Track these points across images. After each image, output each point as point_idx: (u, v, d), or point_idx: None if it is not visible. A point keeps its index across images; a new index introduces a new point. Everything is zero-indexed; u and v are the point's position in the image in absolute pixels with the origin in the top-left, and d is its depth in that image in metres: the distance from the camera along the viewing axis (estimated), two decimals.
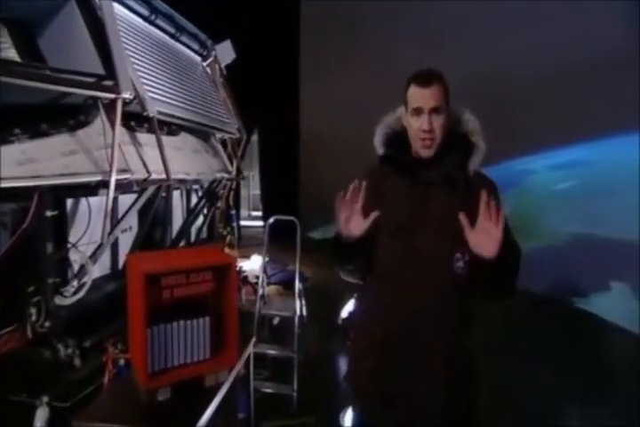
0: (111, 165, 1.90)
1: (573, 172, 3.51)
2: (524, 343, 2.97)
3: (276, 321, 3.38)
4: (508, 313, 2.70)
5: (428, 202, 1.23)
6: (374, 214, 1.18)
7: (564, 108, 3.43)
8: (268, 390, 2.61)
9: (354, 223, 1.19)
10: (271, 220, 3.15)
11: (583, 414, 2.46)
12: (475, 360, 1.28)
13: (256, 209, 9.85)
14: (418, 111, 1.21)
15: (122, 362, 1.92)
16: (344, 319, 3.43)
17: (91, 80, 1.92)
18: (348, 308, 3.38)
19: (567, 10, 3.30)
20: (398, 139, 1.31)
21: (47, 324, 1.66)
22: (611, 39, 3.00)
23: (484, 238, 1.09)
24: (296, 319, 2.81)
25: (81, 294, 1.81)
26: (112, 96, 1.97)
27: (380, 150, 1.35)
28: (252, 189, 10.07)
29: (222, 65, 4.18)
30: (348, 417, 2.10)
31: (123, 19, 2.58)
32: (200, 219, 3.60)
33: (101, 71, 1.97)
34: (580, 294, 3.14)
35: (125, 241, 2.49)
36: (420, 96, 1.21)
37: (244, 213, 9.55)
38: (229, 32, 4.34)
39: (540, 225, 3.63)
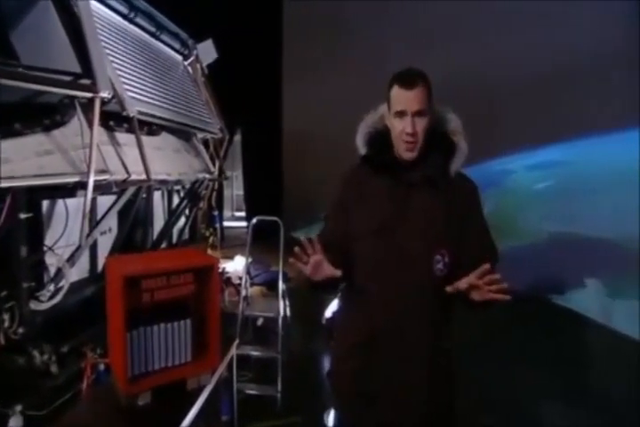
0: (89, 166, 1.86)
1: (551, 171, 3.59)
2: (505, 341, 3.02)
3: (259, 322, 3.36)
4: (489, 311, 2.74)
5: (409, 203, 1.24)
6: (338, 272, 1.16)
7: (542, 108, 3.50)
8: (252, 392, 2.59)
9: (321, 271, 1.15)
10: (254, 220, 3.13)
11: (563, 409, 2.51)
12: (454, 360, 1.30)
13: (239, 210, 9.78)
14: (401, 114, 1.20)
15: (101, 367, 1.87)
16: (328, 319, 3.42)
17: (67, 78, 1.87)
18: (332, 308, 3.39)
19: (551, 11, 3.36)
20: (380, 138, 1.30)
21: (21, 330, 1.61)
22: (594, 39, 3.06)
23: (471, 291, 1.10)
24: (279, 320, 2.80)
25: (58, 299, 1.76)
26: (89, 95, 1.93)
27: (362, 150, 1.34)
28: (236, 189, 10.00)
29: (204, 64, 4.14)
30: (331, 417, 2.11)
31: (100, 16, 2.53)
32: (182, 220, 3.55)
33: (78, 69, 1.93)
34: (558, 291, 3.23)
35: (105, 243, 2.44)
36: (403, 99, 1.20)
37: (227, 213, 9.47)
38: (211, 31, 4.30)
39: (519, 224, 3.71)
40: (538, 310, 3.22)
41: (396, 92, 1.22)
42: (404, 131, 1.20)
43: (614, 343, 2.71)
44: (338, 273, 1.17)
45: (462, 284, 1.10)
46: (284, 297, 3.03)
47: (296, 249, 1.13)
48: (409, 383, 1.22)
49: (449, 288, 1.12)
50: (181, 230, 3.59)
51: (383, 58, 4.59)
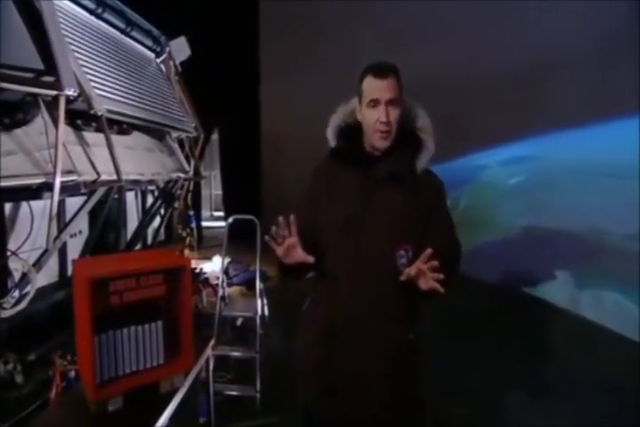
0: (55, 166, 1.80)
1: (524, 166, 3.67)
2: (479, 331, 3.08)
3: (239, 322, 3.33)
4: (464, 303, 2.79)
5: (375, 198, 1.24)
6: (310, 258, 1.16)
7: (516, 104, 3.56)
8: (231, 393, 2.56)
9: (294, 254, 1.16)
10: (230, 219, 3.10)
11: (534, 398, 2.57)
12: (421, 352, 1.31)
13: (218, 209, 9.67)
14: (375, 103, 1.21)
15: (72, 374, 1.82)
16: None
17: (29, 75, 1.80)
18: None
19: (521, 8, 3.43)
20: (351, 132, 1.31)
21: None
22: (562, 37, 3.13)
23: (419, 277, 1.12)
24: (257, 319, 2.78)
25: (23, 305, 1.70)
26: (53, 93, 1.86)
27: (332, 142, 1.34)
28: (214, 189, 9.88)
29: (177, 62, 4.06)
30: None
31: (64, 10, 2.44)
32: (157, 220, 3.49)
33: (41, 66, 1.86)
34: (530, 283, 3.32)
35: (75, 246, 2.37)
36: (376, 88, 1.21)
37: (205, 213, 9.35)
38: (188, 31, 4.22)
39: (494, 219, 3.78)
40: (512, 301, 3.30)
41: (369, 82, 1.22)
42: (379, 120, 1.20)
43: (584, 331, 2.81)
44: (310, 259, 1.17)
45: (412, 269, 1.12)
46: (261, 296, 3.01)
47: (273, 228, 1.13)
48: (371, 376, 1.23)
49: (402, 277, 1.14)
50: (156, 231, 3.53)
51: (359, 57, 4.59)
